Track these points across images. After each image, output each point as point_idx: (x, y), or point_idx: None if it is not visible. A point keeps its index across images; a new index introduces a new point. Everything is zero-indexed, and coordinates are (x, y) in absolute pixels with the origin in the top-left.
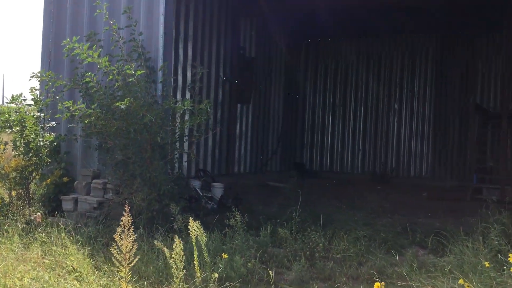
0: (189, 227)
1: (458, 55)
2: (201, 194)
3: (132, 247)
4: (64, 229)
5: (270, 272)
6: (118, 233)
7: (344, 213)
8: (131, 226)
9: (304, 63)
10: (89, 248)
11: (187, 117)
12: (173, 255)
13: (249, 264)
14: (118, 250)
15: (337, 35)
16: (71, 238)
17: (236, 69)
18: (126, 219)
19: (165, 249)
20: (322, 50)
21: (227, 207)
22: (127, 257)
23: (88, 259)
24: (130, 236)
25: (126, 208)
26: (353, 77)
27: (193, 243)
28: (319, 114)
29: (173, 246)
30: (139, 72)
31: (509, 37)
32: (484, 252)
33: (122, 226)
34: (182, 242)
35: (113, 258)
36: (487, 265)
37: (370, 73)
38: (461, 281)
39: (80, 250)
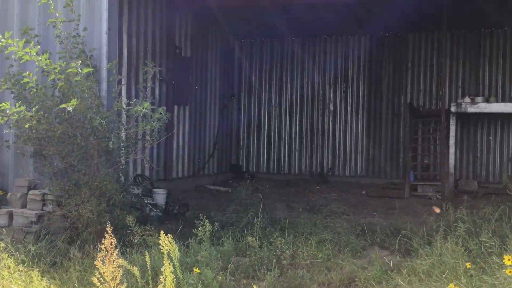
0: (160, 241)
1: (388, 55)
2: (145, 201)
3: (118, 274)
4: (5, 248)
5: (254, 286)
6: (99, 258)
7: (302, 216)
8: (115, 249)
9: (239, 63)
10: (38, 269)
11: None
12: (161, 280)
13: (219, 277)
14: (101, 278)
15: (271, 35)
16: (13, 257)
17: (173, 69)
18: (108, 241)
19: (135, 269)
20: (257, 50)
21: (174, 214)
22: (112, 286)
23: (41, 283)
24: (114, 262)
25: (108, 229)
26: (287, 77)
27: (165, 260)
28: (255, 115)
29: (162, 269)
30: (85, 70)
31: (445, 37)
32: (462, 252)
33: (105, 250)
34: (150, 259)
35: None
36: (468, 266)
37: (305, 73)
38: (451, 286)
39: (27, 272)
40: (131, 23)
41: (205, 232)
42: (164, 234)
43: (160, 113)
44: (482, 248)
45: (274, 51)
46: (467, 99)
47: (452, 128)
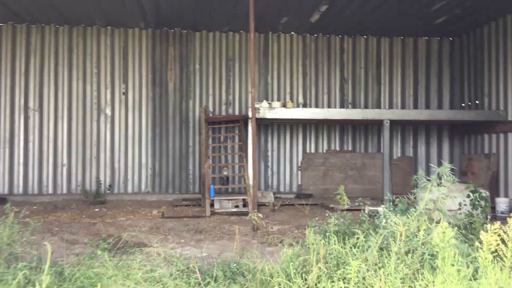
0: None
1: (175, 54)
2: None
3: None
4: None
5: None
6: None
7: (102, 260)
8: None
9: None
10: None
11: None
12: None
13: None
14: None
15: (27, 20)
16: None
17: None
18: None
19: None
20: (7, 36)
21: None
22: None
23: None
24: None
25: None
26: (50, 73)
27: None
28: (5, 120)
29: None
30: None
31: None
32: None
33: None
34: None
35: None
36: None
37: (74, 69)
38: None
39: None
40: None
41: None
42: None
43: None
44: None
45: (31, 39)
46: (265, 104)
47: (250, 136)
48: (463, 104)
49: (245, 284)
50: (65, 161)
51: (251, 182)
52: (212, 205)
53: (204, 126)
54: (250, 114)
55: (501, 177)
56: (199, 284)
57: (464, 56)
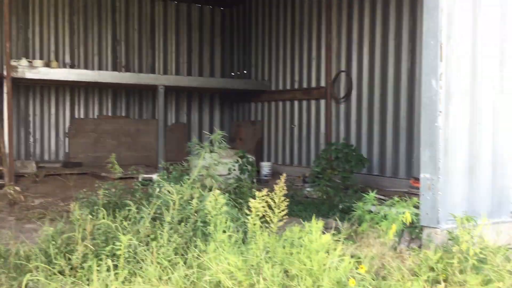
0: None
1: None
2: None
3: None
4: None
5: None
6: None
7: None
8: None
9: None
10: None
11: None
12: None
13: None
14: None
15: None
16: None
17: None
18: None
19: None
20: None
21: None
22: None
23: None
24: None
25: None
26: None
27: None
28: None
29: None
30: None
31: None
32: None
33: None
34: None
35: None
36: None
37: None
38: None
39: None
40: None
41: None
42: None
43: None
44: None
45: None
46: (24, 62)
47: (6, 98)
48: (232, 74)
49: None
50: None
51: (7, 150)
52: None
53: None
54: (5, 73)
55: (265, 143)
56: None
57: (234, 27)
